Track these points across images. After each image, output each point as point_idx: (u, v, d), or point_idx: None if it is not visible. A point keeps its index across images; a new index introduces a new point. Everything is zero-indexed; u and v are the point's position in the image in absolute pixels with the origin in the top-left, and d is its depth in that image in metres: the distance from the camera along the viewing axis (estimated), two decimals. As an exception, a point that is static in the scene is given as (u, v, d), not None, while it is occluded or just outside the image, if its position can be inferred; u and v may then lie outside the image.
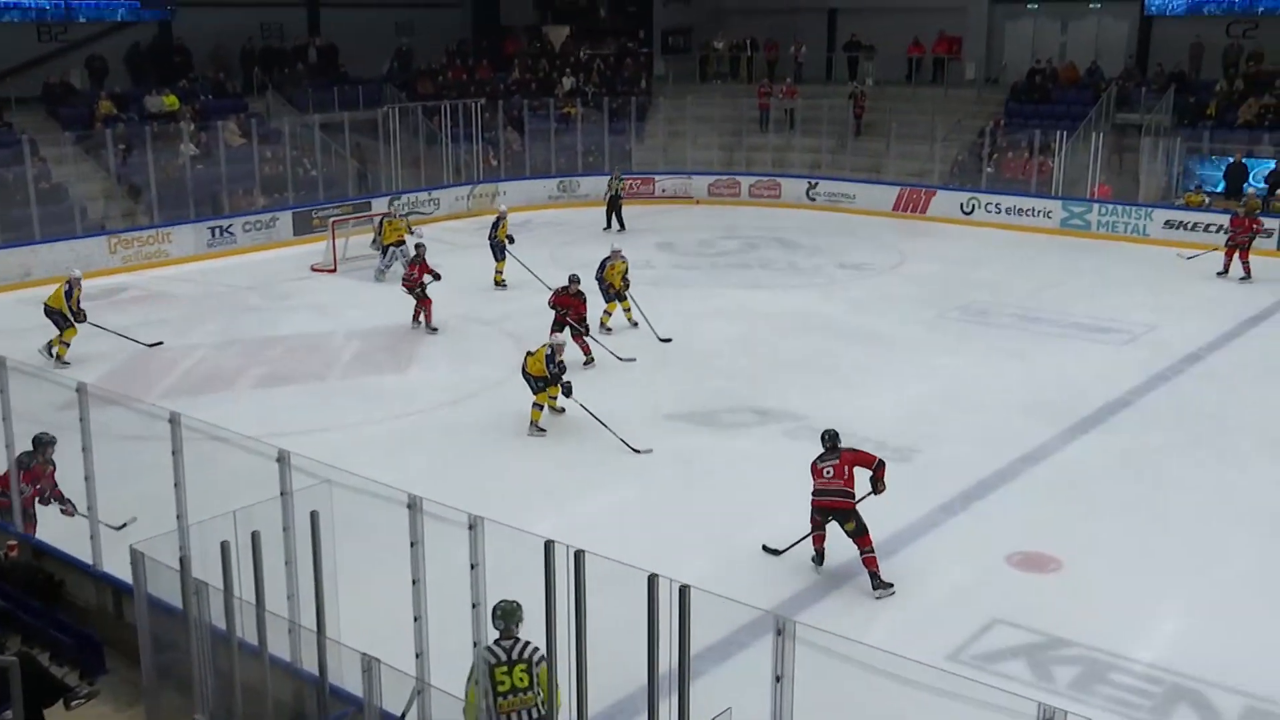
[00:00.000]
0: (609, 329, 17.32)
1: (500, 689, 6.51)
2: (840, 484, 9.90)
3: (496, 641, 6.64)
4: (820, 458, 10.17)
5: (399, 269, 20.31)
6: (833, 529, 10.02)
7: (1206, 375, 15.68)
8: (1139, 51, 30.06)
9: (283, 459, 7.16)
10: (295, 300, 19.57)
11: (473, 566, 6.39)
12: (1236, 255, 20.93)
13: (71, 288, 16.32)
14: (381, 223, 21.88)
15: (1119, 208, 25.04)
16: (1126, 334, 17.48)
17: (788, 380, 15.23)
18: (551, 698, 6.26)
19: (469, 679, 6.56)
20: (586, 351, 15.99)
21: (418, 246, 18.38)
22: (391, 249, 21.18)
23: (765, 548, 10.45)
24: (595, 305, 16.88)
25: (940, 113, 28.97)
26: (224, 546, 6.43)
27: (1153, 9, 28.87)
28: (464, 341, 17.49)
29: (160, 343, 17.01)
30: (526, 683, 6.54)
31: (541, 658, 6.44)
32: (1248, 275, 20.74)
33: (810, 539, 10.16)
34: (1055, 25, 32.27)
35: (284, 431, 12.53)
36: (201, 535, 8.03)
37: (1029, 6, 32.59)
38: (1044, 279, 21.19)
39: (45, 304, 16.38)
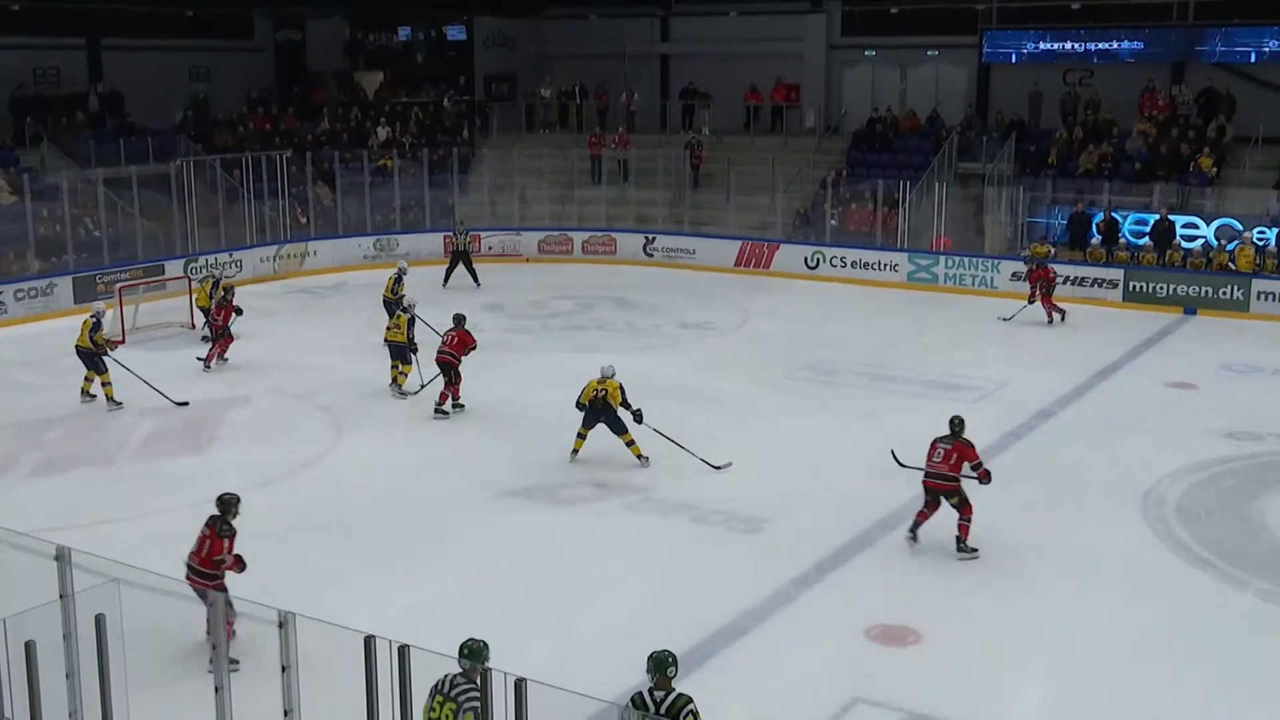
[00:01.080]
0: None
1: (431, 714, 6.81)
2: (946, 468, 11.96)
3: (458, 674, 6.80)
4: (940, 438, 12.14)
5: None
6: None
7: (1059, 431, 16.39)
8: (979, 99, 31.63)
9: (62, 556, 6.88)
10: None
11: (284, 668, 6.22)
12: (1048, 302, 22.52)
13: (98, 321, 16.94)
14: (220, 283, 21.34)
15: (966, 260, 26.17)
16: (978, 390, 18.16)
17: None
18: None
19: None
20: (450, 396, 16.71)
21: (226, 290, 19.31)
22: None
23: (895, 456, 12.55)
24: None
25: (781, 162, 29.79)
26: (-8, 660, 6.12)
27: (990, 57, 30.43)
28: (272, 417, 17.09)
29: (186, 403, 17.25)
30: None
31: (470, 708, 6.59)
32: (1050, 320, 22.40)
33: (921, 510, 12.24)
34: (894, 72, 33.67)
35: (65, 525, 12.03)
36: (-34, 648, 7.62)
37: (867, 54, 33.93)
38: (893, 335, 21.92)
39: (77, 345, 17.08)
